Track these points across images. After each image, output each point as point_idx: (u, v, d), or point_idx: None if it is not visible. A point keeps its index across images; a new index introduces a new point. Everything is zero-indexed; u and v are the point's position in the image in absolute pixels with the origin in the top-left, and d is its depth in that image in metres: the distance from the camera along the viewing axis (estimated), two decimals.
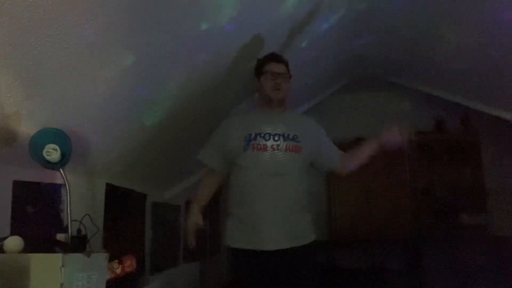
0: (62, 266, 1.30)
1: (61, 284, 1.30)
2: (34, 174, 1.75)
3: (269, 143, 2.01)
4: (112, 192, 2.43)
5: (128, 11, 1.51)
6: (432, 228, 4.84)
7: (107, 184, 2.38)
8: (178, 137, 2.75)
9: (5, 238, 1.38)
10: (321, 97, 4.58)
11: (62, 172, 1.58)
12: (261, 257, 1.97)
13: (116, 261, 1.79)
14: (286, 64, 2.14)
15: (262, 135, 2.03)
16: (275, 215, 1.97)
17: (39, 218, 1.81)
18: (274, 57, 2.14)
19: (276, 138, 2.02)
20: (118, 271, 1.76)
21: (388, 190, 5.00)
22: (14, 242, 1.37)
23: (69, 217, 1.60)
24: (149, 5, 1.57)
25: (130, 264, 1.82)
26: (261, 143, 2.01)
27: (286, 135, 2.04)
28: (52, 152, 1.50)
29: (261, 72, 2.12)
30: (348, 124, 5.18)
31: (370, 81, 4.78)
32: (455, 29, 2.93)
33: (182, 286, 3.74)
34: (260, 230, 1.97)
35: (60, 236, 1.60)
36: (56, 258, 1.32)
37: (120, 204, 2.56)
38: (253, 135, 2.02)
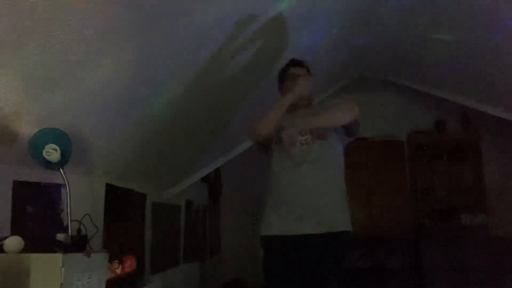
0: (62, 266, 1.30)
1: (61, 284, 1.30)
2: (34, 174, 1.75)
3: (298, 138, 2.11)
4: (112, 192, 2.43)
5: (127, 11, 1.51)
6: (432, 228, 4.84)
7: (107, 184, 2.39)
8: (178, 137, 2.75)
9: (5, 238, 1.38)
10: (321, 97, 4.57)
11: (62, 172, 1.58)
12: (291, 242, 2.02)
13: (116, 261, 1.79)
14: (307, 68, 2.26)
15: (291, 131, 2.14)
16: (305, 201, 2.03)
17: (39, 218, 1.80)
18: (295, 62, 2.27)
19: (303, 132, 2.11)
20: (118, 271, 1.76)
21: (388, 190, 5.00)
22: (14, 242, 1.37)
23: (69, 217, 1.60)
24: (149, 4, 1.57)
25: (130, 264, 1.82)
26: (289, 140, 2.12)
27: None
28: (52, 152, 1.50)
29: (284, 77, 2.25)
30: None
31: (370, 81, 4.78)
32: (455, 29, 2.93)
33: (182, 286, 3.74)
34: (292, 215, 2.04)
35: (60, 236, 1.59)
36: (56, 258, 1.32)
37: (120, 204, 2.56)
38: (284, 130, 2.13)
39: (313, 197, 2.04)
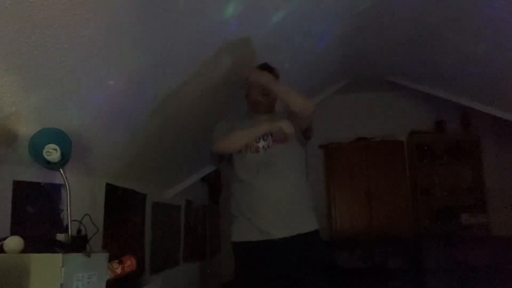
0: (62, 266, 1.30)
1: (61, 284, 1.29)
2: (34, 174, 1.75)
3: (260, 144, 2.13)
4: (112, 192, 2.43)
5: (128, 11, 1.51)
6: (432, 228, 4.84)
7: (107, 184, 2.38)
8: (178, 137, 2.75)
9: (5, 238, 1.38)
10: (321, 97, 4.57)
11: (62, 172, 1.58)
12: (262, 247, 2.04)
13: (116, 261, 1.78)
14: (276, 75, 2.24)
15: None
16: (272, 205, 2.05)
17: (39, 218, 1.80)
18: (266, 66, 2.25)
19: (265, 137, 2.13)
20: (118, 271, 1.76)
21: (388, 190, 5.00)
22: (14, 242, 1.37)
23: (69, 217, 1.60)
24: (150, 4, 1.57)
25: (130, 264, 1.82)
26: (253, 145, 2.13)
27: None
28: (52, 152, 1.50)
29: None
30: (348, 124, 5.18)
31: (370, 81, 4.78)
32: (455, 29, 2.93)
33: (182, 286, 3.74)
34: (260, 221, 2.06)
35: (60, 236, 1.59)
36: (56, 258, 1.32)
37: (120, 204, 2.56)
38: None
39: (277, 202, 2.06)
